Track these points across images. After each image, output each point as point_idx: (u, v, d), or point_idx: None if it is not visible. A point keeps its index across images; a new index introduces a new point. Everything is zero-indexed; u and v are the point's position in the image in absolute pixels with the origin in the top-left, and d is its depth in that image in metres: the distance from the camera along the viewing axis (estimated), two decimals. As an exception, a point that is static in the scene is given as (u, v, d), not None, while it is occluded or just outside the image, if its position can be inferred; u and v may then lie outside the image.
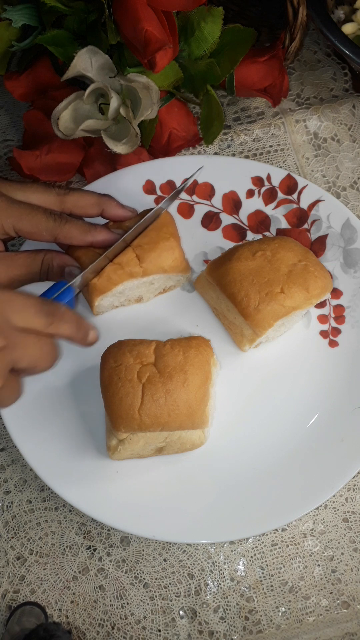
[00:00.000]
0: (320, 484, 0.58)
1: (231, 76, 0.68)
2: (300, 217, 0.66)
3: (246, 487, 0.58)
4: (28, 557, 0.61)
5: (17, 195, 0.56)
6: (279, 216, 0.67)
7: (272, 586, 0.61)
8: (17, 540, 0.62)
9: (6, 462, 0.64)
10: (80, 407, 0.60)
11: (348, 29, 0.70)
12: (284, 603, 0.60)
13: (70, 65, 0.60)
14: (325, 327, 0.64)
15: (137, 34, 0.58)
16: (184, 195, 0.67)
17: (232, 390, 0.62)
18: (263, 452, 0.60)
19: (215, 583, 0.61)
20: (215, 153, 0.74)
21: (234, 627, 0.60)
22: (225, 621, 0.60)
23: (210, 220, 0.67)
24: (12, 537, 0.62)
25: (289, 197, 0.67)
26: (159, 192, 0.67)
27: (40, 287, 0.59)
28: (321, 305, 0.64)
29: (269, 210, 0.67)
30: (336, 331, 0.64)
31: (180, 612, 0.60)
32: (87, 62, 0.61)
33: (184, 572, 0.61)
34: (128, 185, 0.66)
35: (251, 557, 0.61)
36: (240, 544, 0.61)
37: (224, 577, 0.61)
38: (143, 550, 0.61)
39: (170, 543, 0.61)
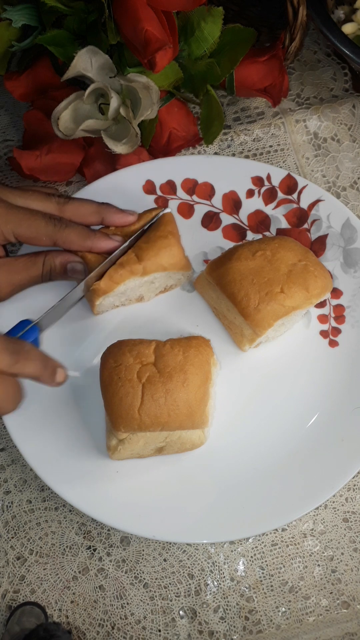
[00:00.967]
0: (320, 484, 0.58)
1: (231, 76, 0.68)
2: (300, 217, 0.66)
3: (246, 487, 0.58)
4: (28, 557, 0.61)
5: (17, 202, 0.56)
6: (279, 216, 0.67)
7: (272, 586, 0.61)
8: (17, 540, 0.62)
9: (6, 462, 0.64)
10: (80, 407, 0.60)
11: (348, 29, 0.70)
12: (284, 603, 0.60)
13: (70, 65, 0.60)
14: (325, 327, 0.64)
15: (137, 34, 0.58)
16: (184, 195, 0.67)
17: (232, 390, 0.62)
18: (263, 452, 0.60)
19: (215, 583, 0.61)
20: (215, 153, 0.74)
21: (234, 627, 0.60)
22: (225, 621, 0.60)
23: (210, 220, 0.67)
24: (12, 537, 0.62)
25: (289, 197, 0.67)
26: (159, 192, 0.67)
27: (44, 290, 0.60)
28: (321, 305, 0.64)
29: (269, 210, 0.67)
30: (336, 331, 0.64)
31: (180, 612, 0.60)
32: (87, 62, 0.61)
33: (184, 572, 0.61)
34: (128, 185, 0.66)
35: (251, 557, 0.61)
36: (240, 544, 0.61)
37: (224, 577, 0.61)
38: (143, 550, 0.61)
39: (170, 543, 0.61)
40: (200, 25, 0.63)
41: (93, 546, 0.61)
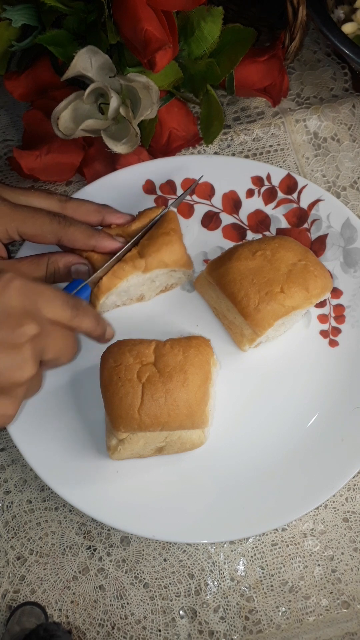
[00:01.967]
0: (320, 484, 0.58)
1: (231, 76, 0.68)
2: (300, 217, 0.66)
3: (246, 487, 0.58)
4: (28, 557, 0.61)
5: (19, 200, 0.56)
6: (278, 216, 0.67)
7: (272, 586, 0.61)
8: (17, 540, 0.62)
9: (6, 462, 0.64)
10: (80, 407, 0.60)
11: (348, 28, 0.70)
12: (284, 603, 0.60)
13: (70, 65, 0.60)
14: (325, 326, 0.64)
15: (137, 34, 0.58)
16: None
17: (232, 390, 0.62)
18: (263, 451, 0.60)
19: (216, 583, 0.61)
20: (215, 153, 0.73)
21: (234, 627, 0.60)
22: (225, 621, 0.60)
23: (210, 220, 0.67)
24: (12, 537, 0.62)
25: (289, 197, 0.67)
26: (159, 192, 0.67)
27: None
28: (321, 304, 0.64)
29: (268, 209, 0.67)
30: (336, 331, 0.64)
31: (181, 612, 0.60)
32: (87, 62, 0.61)
33: (184, 572, 0.61)
34: (128, 185, 0.66)
35: (251, 557, 0.61)
36: (240, 544, 0.61)
37: (224, 577, 0.61)
38: (143, 550, 0.61)
39: (170, 543, 0.61)
40: (200, 25, 0.63)
41: (93, 546, 0.61)
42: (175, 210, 0.63)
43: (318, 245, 0.66)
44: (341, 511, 0.62)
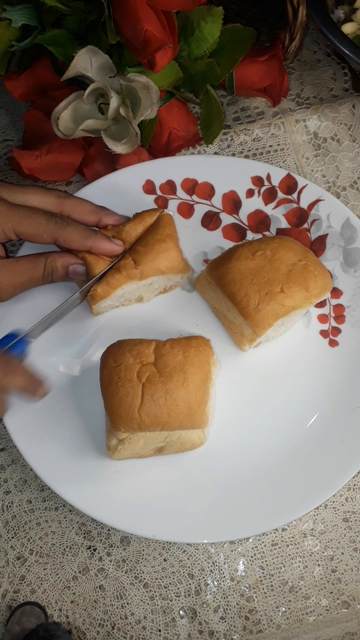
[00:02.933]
0: (320, 484, 0.58)
1: (231, 76, 0.68)
2: (300, 217, 0.66)
3: (246, 487, 0.58)
4: (28, 557, 0.61)
5: (17, 198, 0.56)
6: (278, 216, 0.67)
7: (272, 586, 0.61)
8: (17, 540, 0.62)
9: (6, 462, 0.64)
10: (80, 407, 0.60)
11: (348, 28, 0.70)
12: (284, 603, 0.60)
13: (70, 65, 0.60)
14: (325, 326, 0.64)
15: (137, 34, 0.58)
16: (184, 195, 0.67)
17: (232, 390, 0.62)
18: (263, 451, 0.60)
19: (216, 583, 0.61)
20: (215, 153, 0.73)
21: (234, 627, 0.60)
22: (225, 621, 0.60)
23: (210, 220, 0.67)
24: (12, 537, 0.62)
25: (289, 197, 0.67)
26: (159, 192, 0.67)
27: (47, 290, 0.60)
28: (321, 304, 0.64)
29: (268, 209, 0.67)
30: (336, 331, 0.64)
31: (181, 612, 0.60)
32: (87, 62, 0.61)
33: (184, 572, 0.61)
34: (128, 185, 0.66)
35: (251, 557, 0.61)
36: (240, 543, 0.61)
37: (224, 577, 0.61)
38: (143, 550, 0.61)
39: (170, 543, 0.61)
40: (200, 25, 0.63)
41: (93, 546, 0.61)
42: (171, 213, 0.63)
43: (318, 245, 0.66)
44: (341, 511, 0.62)
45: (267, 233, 0.67)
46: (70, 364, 0.62)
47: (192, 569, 0.61)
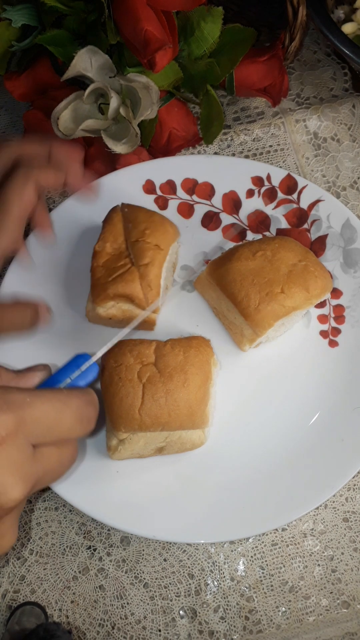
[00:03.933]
0: (320, 484, 0.58)
1: (231, 76, 0.68)
2: (300, 217, 0.66)
3: (246, 487, 0.58)
4: (28, 557, 0.61)
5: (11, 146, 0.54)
6: (279, 216, 0.67)
7: (272, 586, 0.61)
8: (17, 540, 0.62)
9: (6, 462, 0.64)
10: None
11: (348, 28, 0.70)
12: (284, 603, 0.60)
13: (70, 65, 0.60)
14: (325, 327, 0.64)
15: (137, 34, 0.58)
16: (184, 195, 0.67)
17: (232, 390, 0.62)
18: (263, 451, 0.60)
19: (216, 583, 0.61)
20: (215, 153, 0.74)
21: (234, 626, 0.60)
22: (225, 621, 0.60)
23: (210, 220, 0.67)
24: (12, 537, 0.62)
25: (289, 197, 0.67)
26: (159, 192, 0.67)
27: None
28: (321, 305, 0.64)
29: (269, 210, 0.67)
30: (336, 331, 0.64)
31: (181, 612, 0.60)
32: (87, 62, 0.61)
33: (184, 572, 0.61)
34: (128, 185, 0.66)
35: (251, 557, 0.61)
36: (240, 544, 0.61)
37: (224, 577, 0.61)
38: (143, 550, 0.61)
39: (170, 543, 0.61)
40: (200, 25, 0.63)
41: (93, 546, 0.62)
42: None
43: (318, 246, 0.66)
44: (341, 511, 0.62)
45: (267, 233, 0.67)
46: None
47: (192, 569, 0.61)
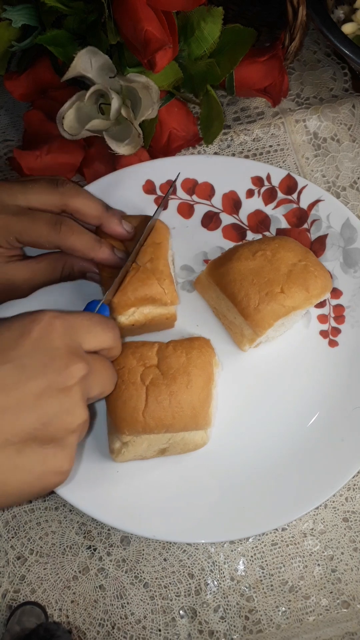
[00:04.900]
0: (320, 483, 0.58)
1: (231, 76, 0.68)
2: (300, 217, 0.66)
3: (246, 487, 0.58)
4: (28, 556, 0.61)
5: (17, 199, 0.54)
6: (278, 216, 0.67)
7: (272, 586, 0.61)
8: (17, 540, 0.62)
9: (6, 462, 0.64)
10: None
11: (348, 28, 0.70)
12: (284, 603, 0.60)
13: (70, 65, 0.60)
14: (325, 326, 0.64)
15: (137, 34, 0.58)
16: (183, 195, 0.67)
17: (232, 390, 0.62)
18: (263, 451, 0.60)
19: (216, 583, 0.61)
20: (215, 153, 0.74)
21: (234, 626, 0.60)
22: (225, 621, 0.60)
23: (210, 220, 0.67)
24: (12, 537, 0.62)
25: (289, 197, 0.67)
26: (159, 192, 0.67)
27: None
28: (321, 305, 0.64)
29: (268, 210, 0.67)
30: (336, 331, 0.64)
31: (181, 612, 0.60)
32: (87, 62, 0.61)
33: (184, 572, 0.61)
34: (128, 185, 0.66)
35: (251, 556, 0.61)
36: (240, 543, 0.62)
37: (224, 576, 0.61)
38: (143, 549, 0.61)
39: (170, 543, 0.61)
40: (200, 25, 0.63)
41: (93, 546, 0.62)
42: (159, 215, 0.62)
43: (318, 246, 0.66)
44: (341, 511, 0.63)
45: (267, 233, 0.67)
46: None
47: (192, 569, 0.61)
